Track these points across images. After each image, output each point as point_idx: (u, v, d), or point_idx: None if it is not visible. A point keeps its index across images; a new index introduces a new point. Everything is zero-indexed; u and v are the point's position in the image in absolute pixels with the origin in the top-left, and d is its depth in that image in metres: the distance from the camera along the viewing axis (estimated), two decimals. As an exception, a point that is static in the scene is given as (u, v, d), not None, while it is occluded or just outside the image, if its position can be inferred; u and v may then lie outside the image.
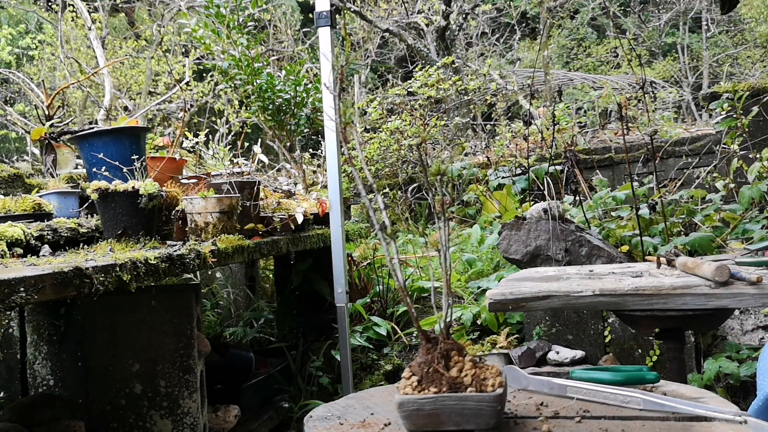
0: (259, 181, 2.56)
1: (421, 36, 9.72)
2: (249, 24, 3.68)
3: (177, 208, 2.22)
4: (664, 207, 3.48)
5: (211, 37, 3.56)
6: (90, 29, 4.29)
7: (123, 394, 2.14)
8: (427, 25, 9.40)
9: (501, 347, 3.06)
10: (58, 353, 2.24)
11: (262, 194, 2.74)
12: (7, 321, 2.28)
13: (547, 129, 5.51)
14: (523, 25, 12.22)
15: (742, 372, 2.56)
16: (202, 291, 3.07)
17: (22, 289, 1.23)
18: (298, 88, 3.60)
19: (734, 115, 3.32)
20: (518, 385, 0.93)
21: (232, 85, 3.65)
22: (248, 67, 3.51)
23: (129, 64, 9.59)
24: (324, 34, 2.75)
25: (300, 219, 2.67)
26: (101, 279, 1.47)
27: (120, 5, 9.75)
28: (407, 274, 3.91)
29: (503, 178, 5.51)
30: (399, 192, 6.12)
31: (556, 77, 10.45)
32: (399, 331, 3.49)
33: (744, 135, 3.36)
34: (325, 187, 3.32)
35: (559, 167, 4.80)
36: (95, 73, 4.01)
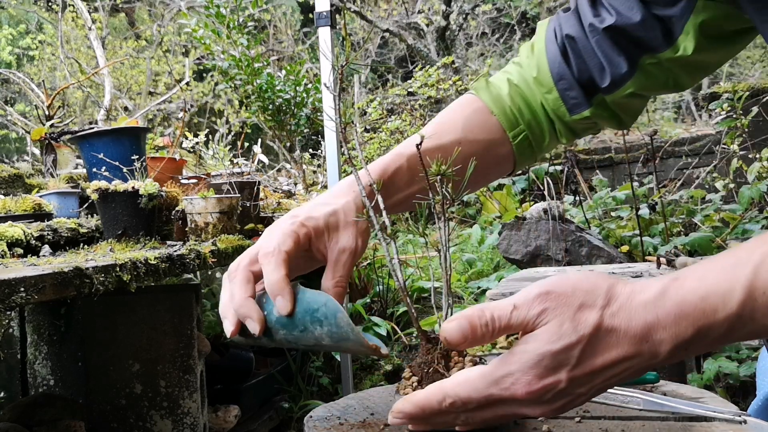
0: (259, 182, 2.56)
1: (421, 36, 9.73)
2: (249, 24, 3.68)
3: (177, 209, 2.22)
4: (664, 207, 3.48)
5: (211, 37, 3.56)
6: (90, 29, 4.29)
7: (123, 394, 2.14)
8: (427, 25, 9.41)
9: (501, 347, 3.06)
10: (58, 353, 2.24)
11: (262, 194, 2.74)
12: (7, 321, 2.28)
13: (547, 129, 5.50)
14: (523, 25, 12.21)
15: (742, 372, 2.56)
16: (202, 291, 3.07)
17: (22, 289, 1.23)
18: (298, 88, 3.61)
19: (734, 116, 3.32)
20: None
21: (232, 85, 3.65)
22: (248, 67, 3.51)
23: (129, 64, 9.59)
24: (324, 34, 2.75)
25: (300, 219, 2.66)
26: (101, 279, 1.47)
27: (120, 5, 9.75)
28: (407, 274, 3.91)
29: (503, 178, 5.51)
30: (399, 192, 6.11)
31: (556, 77, 10.41)
32: (399, 331, 3.49)
33: (744, 135, 3.36)
34: (325, 187, 3.32)
35: (559, 167, 4.81)
36: (95, 73, 4.01)
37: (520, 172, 5.46)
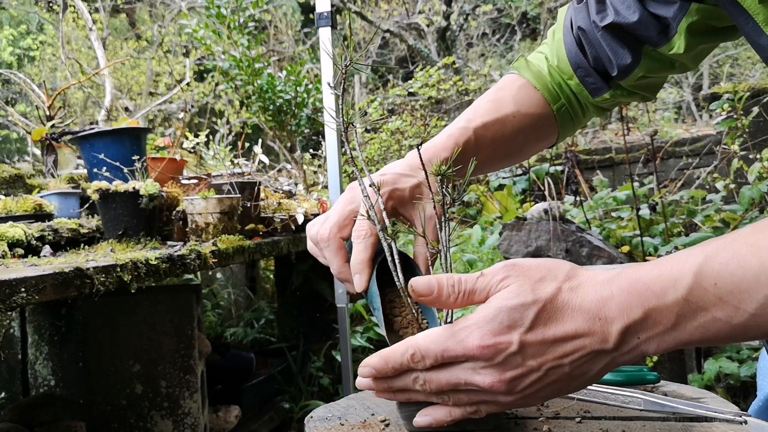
0: (259, 182, 2.56)
1: (421, 36, 9.73)
2: (250, 24, 3.68)
3: (178, 209, 2.22)
4: (664, 207, 3.49)
5: (211, 38, 3.56)
6: (91, 30, 4.29)
7: (124, 395, 2.15)
8: (427, 26, 9.41)
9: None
10: (59, 354, 2.24)
11: (262, 194, 2.74)
12: (8, 321, 2.28)
13: (548, 129, 5.50)
14: (524, 25, 12.20)
15: (743, 372, 2.56)
16: (202, 291, 3.08)
17: (23, 289, 1.23)
18: (298, 88, 3.61)
19: (734, 116, 3.32)
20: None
21: (233, 85, 3.66)
22: (249, 68, 3.51)
23: (130, 64, 9.60)
24: (324, 34, 2.75)
25: (301, 219, 2.67)
26: (102, 279, 1.47)
27: (121, 6, 9.76)
28: (408, 274, 3.90)
29: (504, 178, 5.52)
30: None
31: (556, 78, 10.41)
32: (399, 332, 3.48)
33: (744, 135, 3.36)
34: (326, 187, 3.32)
35: (559, 167, 4.80)
36: (96, 73, 4.02)
37: (520, 172, 5.47)
